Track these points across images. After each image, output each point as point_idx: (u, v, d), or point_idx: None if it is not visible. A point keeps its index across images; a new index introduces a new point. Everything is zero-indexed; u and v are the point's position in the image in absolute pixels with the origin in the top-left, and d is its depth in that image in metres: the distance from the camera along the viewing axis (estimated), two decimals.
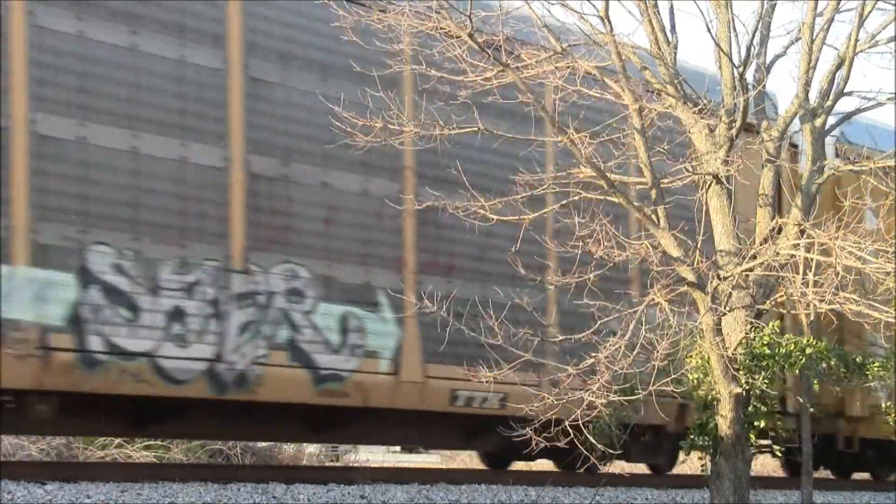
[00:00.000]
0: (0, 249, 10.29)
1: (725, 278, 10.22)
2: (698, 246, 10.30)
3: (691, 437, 10.70)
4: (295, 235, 12.06)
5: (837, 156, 14.33)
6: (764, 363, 10.45)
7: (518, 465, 16.76)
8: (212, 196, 11.57)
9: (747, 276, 10.35)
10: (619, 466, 14.97)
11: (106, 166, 10.94)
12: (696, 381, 10.63)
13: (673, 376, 10.11)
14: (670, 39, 10.54)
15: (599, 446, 10.34)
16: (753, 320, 10.43)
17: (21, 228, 10.42)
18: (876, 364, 11.33)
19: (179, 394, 11.34)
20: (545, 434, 9.90)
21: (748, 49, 10.67)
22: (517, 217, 9.86)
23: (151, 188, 11.23)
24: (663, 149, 10.80)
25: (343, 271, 12.17)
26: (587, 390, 9.67)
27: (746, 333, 10.36)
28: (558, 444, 9.69)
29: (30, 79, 10.52)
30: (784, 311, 11.11)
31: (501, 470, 16.04)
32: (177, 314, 11.24)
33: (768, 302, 10.48)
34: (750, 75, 10.79)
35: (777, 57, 11.18)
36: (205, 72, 11.61)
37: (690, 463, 16.45)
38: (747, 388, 10.41)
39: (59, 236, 10.61)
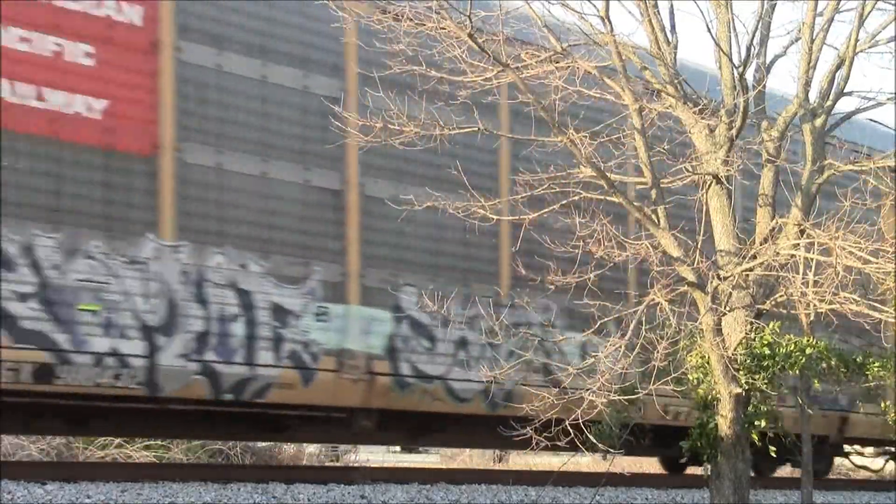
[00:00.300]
0: (339, 291, 12.40)
1: (725, 278, 10.21)
2: (698, 246, 10.32)
3: (692, 437, 10.67)
4: (547, 275, 13.36)
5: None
6: (764, 363, 10.44)
7: (518, 464, 16.75)
8: (488, 243, 13.42)
9: (747, 276, 10.33)
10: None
11: (413, 220, 12.68)
12: (696, 381, 10.61)
13: (673, 375, 10.09)
14: (670, 39, 10.53)
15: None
16: (754, 320, 10.41)
17: (354, 274, 12.57)
18: (876, 364, 11.34)
19: (463, 410, 13.38)
20: (545, 433, 9.94)
21: (748, 49, 10.68)
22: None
23: (446, 238, 13.30)
24: (663, 149, 10.80)
25: (582, 304, 13.00)
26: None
27: (746, 333, 10.35)
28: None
29: (359, 150, 12.42)
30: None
31: (502, 470, 16.08)
32: (462, 343, 13.24)
33: (768, 302, 10.46)
34: (750, 75, 10.79)
35: (777, 57, 11.22)
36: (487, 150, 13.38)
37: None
38: (747, 388, 10.40)
39: (379, 280, 12.77)
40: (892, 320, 10.45)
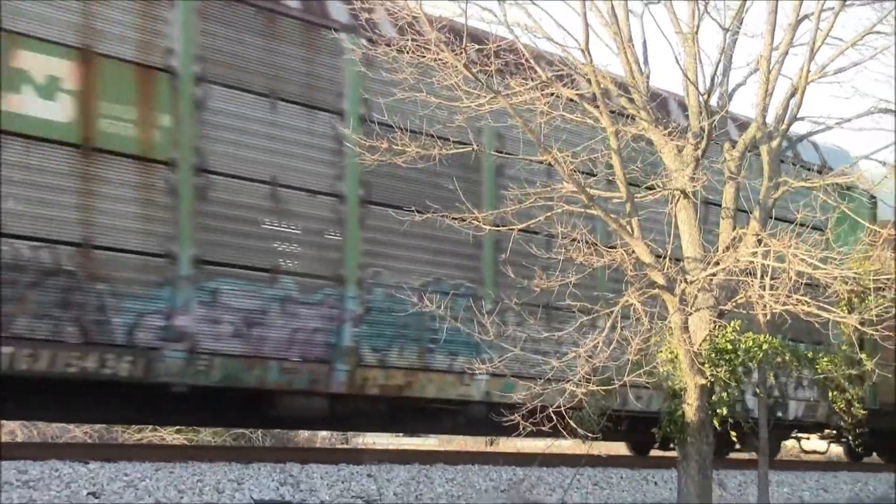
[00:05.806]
0: None
1: (692, 282, 10.43)
2: (668, 253, 10.55)
3: (663, 424, 10.88)
4: None
5: None
6: (726, 357, 10.64)
7: (507, 447, 16.47)
8: None
9: (711, 280, 10.54)
10: None
11: None
12: (665, 374, 10.80)
13: (645, 368, 10.35)
14: (643, 70, 10.68)
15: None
16: (716, 319, 10.63)
17: None
18: (825, 359, 11.63)
19: None
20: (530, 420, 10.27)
21: (712, 79, 10.83)
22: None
23: None
24: (637, 167, 10.96)
25: None
26: None
27: (710, 331, 10.55)
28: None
29: None
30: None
31: (493, 452, 15.95)
32: None
33: (730, 303, 10.62)
34: (714, 101, 10.97)
35: (738, 85, 11.38)
36: None
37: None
38: (711, 379, 10.59)
39: None
40: (840, 320, 10.60)
